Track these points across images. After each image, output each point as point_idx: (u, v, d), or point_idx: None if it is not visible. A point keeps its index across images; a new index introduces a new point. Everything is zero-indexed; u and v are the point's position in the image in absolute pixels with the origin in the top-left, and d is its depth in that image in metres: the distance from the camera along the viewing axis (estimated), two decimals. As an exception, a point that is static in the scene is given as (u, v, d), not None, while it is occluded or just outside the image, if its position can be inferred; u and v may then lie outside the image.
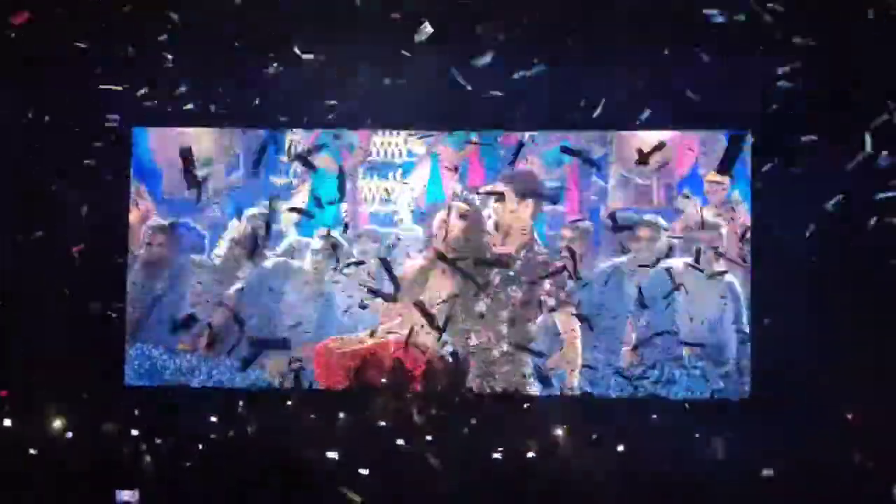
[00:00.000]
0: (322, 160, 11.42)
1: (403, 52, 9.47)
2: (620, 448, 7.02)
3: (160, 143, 11.78)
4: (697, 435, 7.30)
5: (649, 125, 10.52)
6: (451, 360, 10.73)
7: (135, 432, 7.30)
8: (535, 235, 11.43)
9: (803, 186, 9.55)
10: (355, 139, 11.77)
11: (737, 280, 11.05)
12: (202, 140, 11.71)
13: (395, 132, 11.84)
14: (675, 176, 11.66)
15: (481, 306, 11.10)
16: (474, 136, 11.46)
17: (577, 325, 10.94)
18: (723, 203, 11.53)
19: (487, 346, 11.10)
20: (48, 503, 6.41)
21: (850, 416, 7.03)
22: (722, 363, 11.04)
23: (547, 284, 11.01)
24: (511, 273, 11.21)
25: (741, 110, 10.04)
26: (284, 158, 11.79)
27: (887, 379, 8.72)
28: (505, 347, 11.09)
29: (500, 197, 11.23)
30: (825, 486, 6.26)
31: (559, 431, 7.46)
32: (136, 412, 8.05)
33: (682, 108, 10.06)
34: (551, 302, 11.09)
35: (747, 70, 9.66)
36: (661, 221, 11.74)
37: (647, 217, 11.55)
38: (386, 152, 12.04)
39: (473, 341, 11.08)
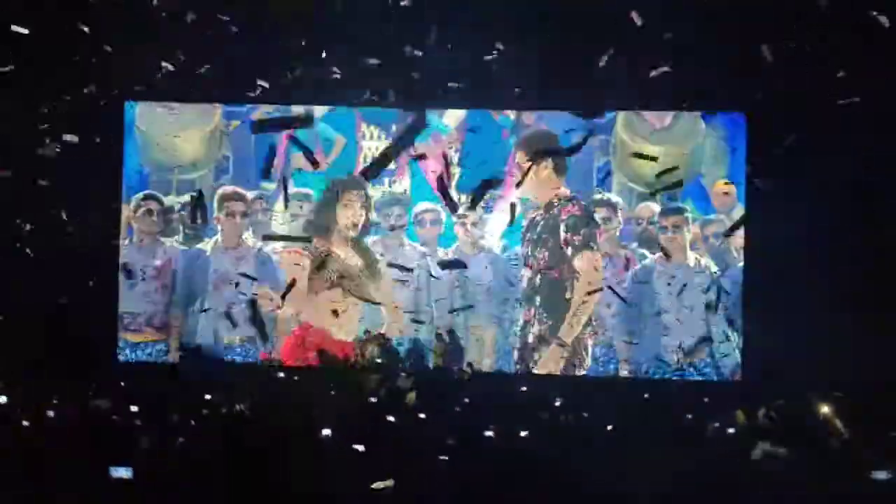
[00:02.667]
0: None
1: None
2: (610, 427, 7.72)
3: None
4: (689, 416, 8.03)
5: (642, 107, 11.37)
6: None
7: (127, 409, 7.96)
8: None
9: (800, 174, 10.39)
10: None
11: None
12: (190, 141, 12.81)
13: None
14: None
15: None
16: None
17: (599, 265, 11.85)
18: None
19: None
20: (40, 483, 6.91)
21: (839, 395, 7.70)
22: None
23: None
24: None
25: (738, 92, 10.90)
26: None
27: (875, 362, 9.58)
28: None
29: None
30: (812, 467, 6.96)
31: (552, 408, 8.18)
32: (129, 389, 8.76)
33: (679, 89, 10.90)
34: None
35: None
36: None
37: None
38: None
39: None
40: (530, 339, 12.27)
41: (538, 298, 12.23)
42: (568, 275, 12.10)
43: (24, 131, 11.03)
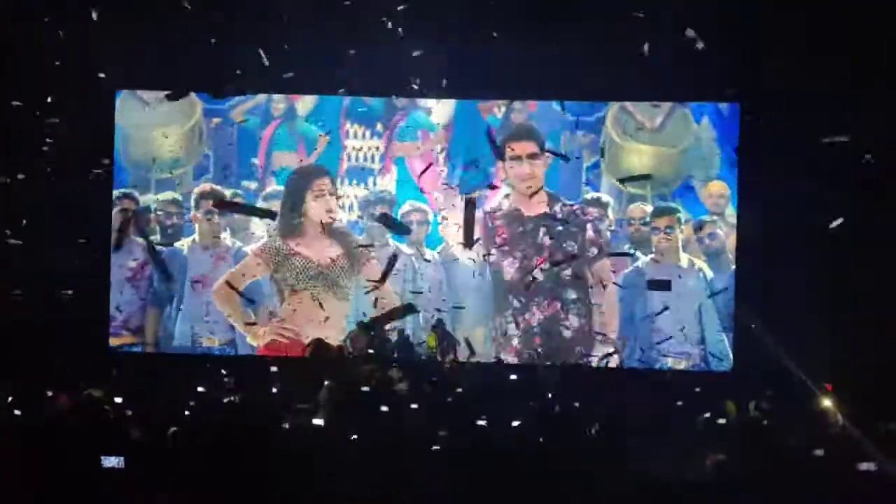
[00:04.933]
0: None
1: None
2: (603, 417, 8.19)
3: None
4: (679, 403, 8.59)
5: (639, 98, 11.89)
6: None
7: (119, 399, 8.42)
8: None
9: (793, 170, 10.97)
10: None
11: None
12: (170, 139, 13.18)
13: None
14: (668, 185, 13.16)
15: None
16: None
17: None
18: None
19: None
20: (33, 471, 7.21)
21: (829, 386, 8.21)
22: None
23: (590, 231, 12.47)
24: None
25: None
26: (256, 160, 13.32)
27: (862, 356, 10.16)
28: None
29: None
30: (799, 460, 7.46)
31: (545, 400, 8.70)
32: (121, 378, 9.22)
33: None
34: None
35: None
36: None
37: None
38: (359, 157, 13.40)
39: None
40: (567, 334, 12.91)
41: (562, 293, 12.87)
42: (582, 272, 12.76)
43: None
